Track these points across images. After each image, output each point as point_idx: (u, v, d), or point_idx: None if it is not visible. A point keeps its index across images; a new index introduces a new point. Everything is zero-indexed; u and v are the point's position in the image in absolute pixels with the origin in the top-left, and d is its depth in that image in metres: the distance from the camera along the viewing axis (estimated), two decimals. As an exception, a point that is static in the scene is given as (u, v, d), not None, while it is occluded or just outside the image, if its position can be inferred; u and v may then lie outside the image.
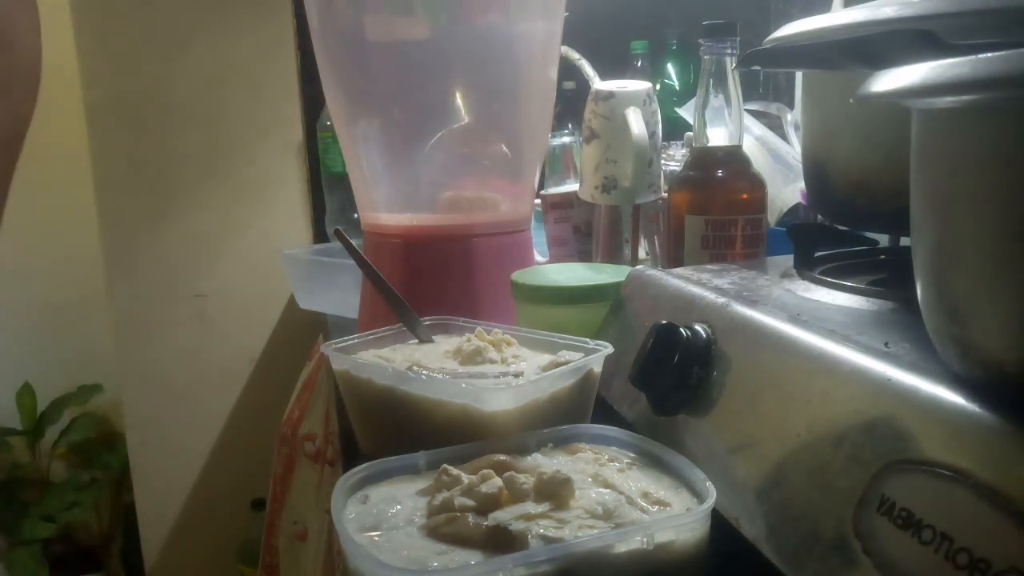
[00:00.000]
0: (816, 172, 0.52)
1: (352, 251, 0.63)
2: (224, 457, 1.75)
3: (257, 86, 1.68)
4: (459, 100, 0.73)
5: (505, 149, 0.75)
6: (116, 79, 1.61)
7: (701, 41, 0.63)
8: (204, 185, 1.70)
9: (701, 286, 0.49)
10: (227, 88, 1.66)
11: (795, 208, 0.77)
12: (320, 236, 1.72)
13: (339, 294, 0.97)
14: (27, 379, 1.96)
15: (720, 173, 0.62)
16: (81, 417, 1.90)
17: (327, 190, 1.64)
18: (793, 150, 0.85)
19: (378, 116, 0.73)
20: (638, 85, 0.73)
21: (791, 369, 0.36)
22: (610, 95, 0.72)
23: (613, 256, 0.74)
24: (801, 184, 0.77)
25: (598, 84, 0.74)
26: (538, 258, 0.83)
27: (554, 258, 0.84)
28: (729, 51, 0.63)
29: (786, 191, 0.82)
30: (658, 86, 1.20)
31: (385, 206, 0.74)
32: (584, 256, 0.79)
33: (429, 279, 0.70)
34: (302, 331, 1.72)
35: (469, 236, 0.70)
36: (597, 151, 0.73)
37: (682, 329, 0.42)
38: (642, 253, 0.74)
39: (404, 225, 0.72)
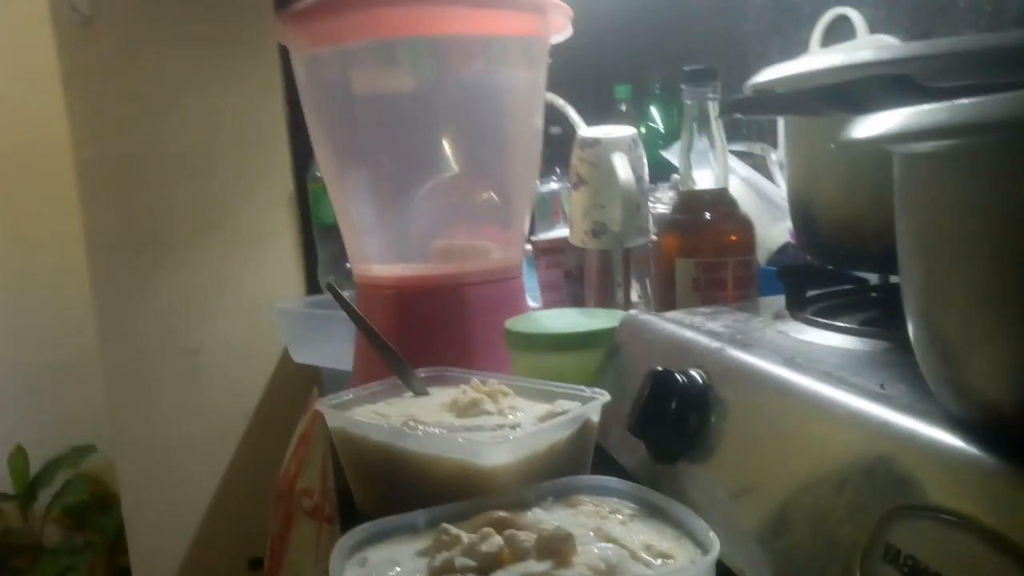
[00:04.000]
0: (802, 213, 0.52)
1: (344, 304, 0.62)
2: (220, 516, 1.72)
3: (247, 140, 1.70)
4: (447, 150, 0.74)
5: (494, 197, 0.76)
6: (106, 138, 1.63)
7: (683, 86, 0.64)
8: (196, 239, 1.70)
9: (695, 330, 0.49)
10: (217, 143, 1.68)
11: (784, 248, 0.77)
12: (313, 287, 1.72)
13: (333, 347, 0.97)
14: (19, 441, 1.94)
15: (708, 216, 0.63)
16: (75, 479, 1.87)
17: (319, 241, 1.65)
18: (779, 189, 0.86)
19: (367, 168, 0.74)
20: (623, 131, 0.74)
21: (788, 413, 0.36)
22: (596, 142, 0.73)
23: (606, 300, 0.74)
24: (789, 223, 0.78)
25: (584, 131, 0.75)
26: (531, 304, 0.83)
27: (547, 303, 0.84)
28: (711, 95, 0.64)
29: (774, 230, 0.82)
30: (643, 129, 1.22)
31: (377, 257, 0.74)
32: (577, 301, 0.80)
33: (423, 329, 0.70)
34: (296, 384, 1.71)
35: (461, 285, 0.70)
36: (585, 197, 0.73)
37: (678, 375, 0.42)
38: (635, 296, 0.75)
39: (396, 276, 0.72)
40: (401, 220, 0.73)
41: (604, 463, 0.49)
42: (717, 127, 0.64)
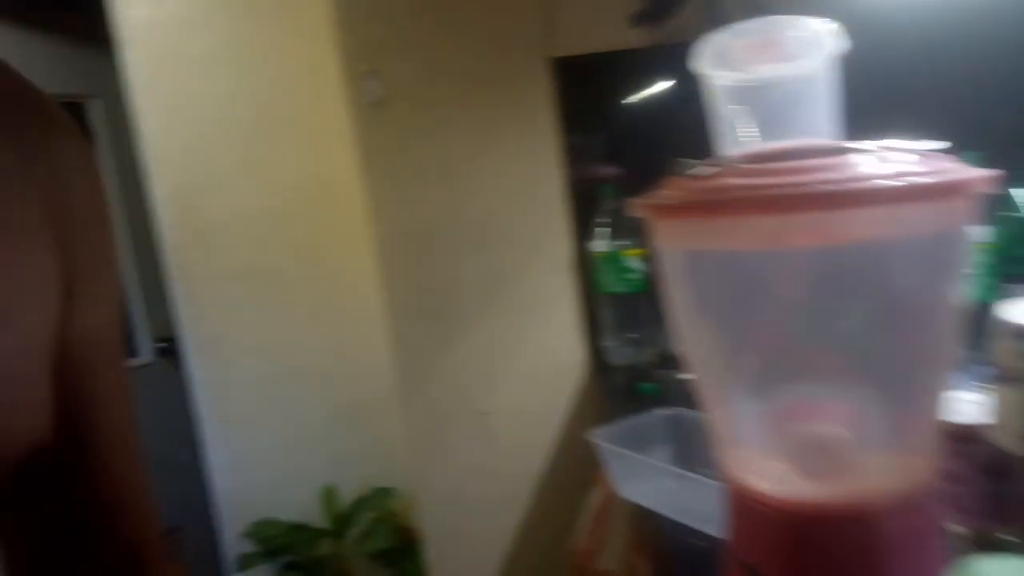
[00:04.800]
0: None
1: None
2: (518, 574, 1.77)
3: (528, 209, 1.70)
4: (843, 334, 0.63)
5: (899, 389, 0.64)
6: (401, 212, 1.70)
7: None
8: (484, 307, 1.74)
9: None
10: (501, 214, 1.70)
11: None
12: (596, 352, 1.69)
13: (655, 486, 0.91)
14: (330, 478, 2.13)
15: None
16: (380, 522, 2.02)
17: (601, 308, 1.62)
18: None
19: (748, 364, 0.66)
20: (1074, 318, 0.59)
21: None
22: (1038, 335, 0.59)
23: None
24: None
25: (1015, 314, 0.61)
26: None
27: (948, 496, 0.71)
28: None
29: None
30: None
31: (751, 463, 0.66)
32: (994, 500, 0.66)
33: (812, 568, 0.60)
34: (585, 450, 1.71)
35: (862, 511, 0.60)
36: (1021, 396, 0.60)
37: None
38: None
39: (781, 496, 0.63)
40: (785, 420, 0.64)
41: None
42: None
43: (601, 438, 0.99)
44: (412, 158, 1.68)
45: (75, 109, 2.38)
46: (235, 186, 2.16)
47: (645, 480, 0.96)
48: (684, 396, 1.44)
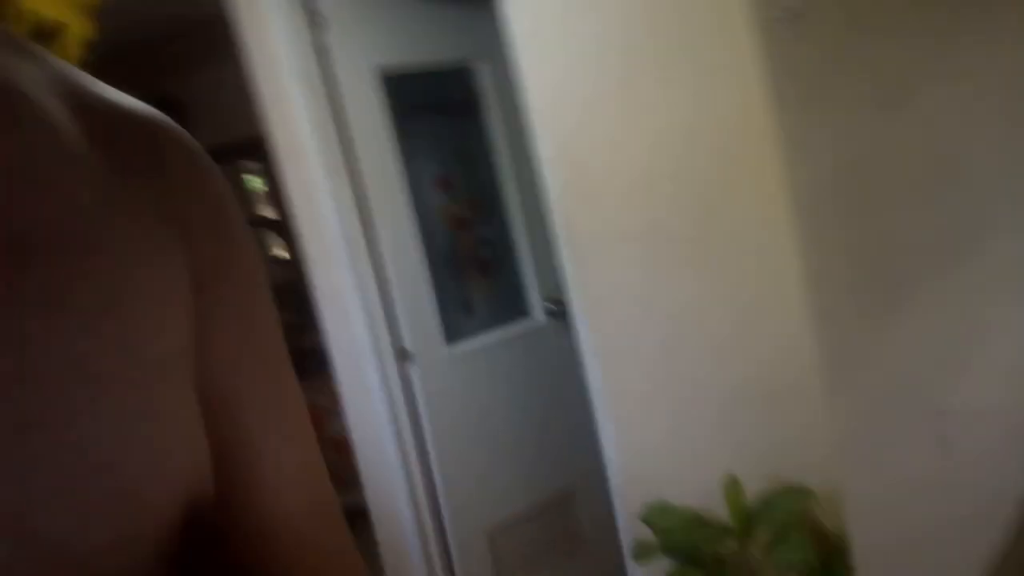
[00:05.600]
0: None
1: None
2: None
3: (1018, 138, 1.24)
4: None
5: None
6: (826, 150, 1.37)
7: None
8: (942, 272, 1.34)
9: None
10: (973, 145, 1.27)
11: None
12: None
13: None
14: (730, 464, 1.88)
15: None
16: (795, 528, 1.71)
17: None
18: None
19: None
20: None
21: None
22: None
23: None
24: None
25: None
26: None
27: None
28: None
29: None
30: None
31: None
32: None
33: None
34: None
35: None
36: None
37: None
38: None
39: None
40: None
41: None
42: None
43: None
44: (840, 82, 1.34)
45: (464, 76, 2.41)
46: (622, 137, 1.98)
47: None
48: None
